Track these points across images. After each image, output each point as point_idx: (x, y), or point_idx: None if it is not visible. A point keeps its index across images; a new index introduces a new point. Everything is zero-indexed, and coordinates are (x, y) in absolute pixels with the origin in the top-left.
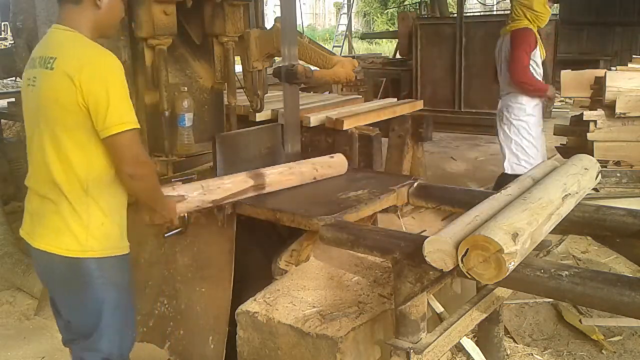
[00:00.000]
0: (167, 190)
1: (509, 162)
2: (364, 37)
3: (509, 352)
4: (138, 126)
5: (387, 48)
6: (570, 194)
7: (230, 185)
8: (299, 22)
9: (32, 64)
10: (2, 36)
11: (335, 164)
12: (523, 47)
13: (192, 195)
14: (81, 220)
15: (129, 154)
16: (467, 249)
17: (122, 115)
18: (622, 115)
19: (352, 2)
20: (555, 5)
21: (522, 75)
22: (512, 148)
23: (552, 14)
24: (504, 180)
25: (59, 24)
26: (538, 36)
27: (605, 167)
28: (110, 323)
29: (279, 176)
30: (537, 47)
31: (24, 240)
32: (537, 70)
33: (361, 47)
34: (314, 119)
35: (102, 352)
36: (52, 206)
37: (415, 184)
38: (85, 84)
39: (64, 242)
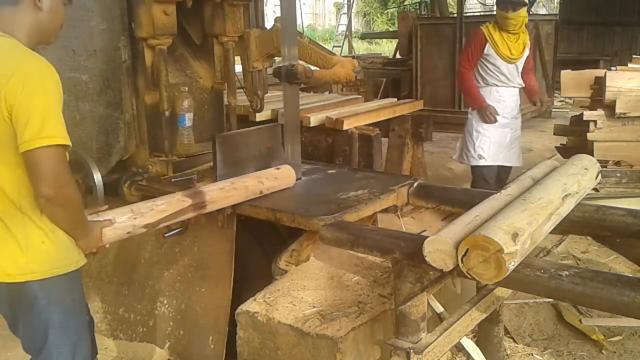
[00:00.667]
0: (92, 216)
1: (458, 150)
2: (364, 37)
3: (509, 352)
4: (66, 142)
5: (387, 48)
6: (570, 194)
7: (165, 207)
8: (299, 22)
9: None
10: None
11: (281, 175)
12: (465, 49)
13: (121, 220)
14: (18, 241)
15: (48, 173)
16: (467, 249)
17: (44, 129)
18: (622, 115)
19: (352, 2)
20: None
21: (458, 77)
22: (462, 138)
23: (552, 14)
24: (474, 171)
25: None
26: (497, 35)
27: (605, 167)
28: (59, 343)
29: (220, 192)
30: (489, 46)
31: None
32: (495, 70)
33: (361, 47)
34: (314, 119)
35: None
36: None
37: (415, 184)
38: (11, 93)
39: (2, 267)
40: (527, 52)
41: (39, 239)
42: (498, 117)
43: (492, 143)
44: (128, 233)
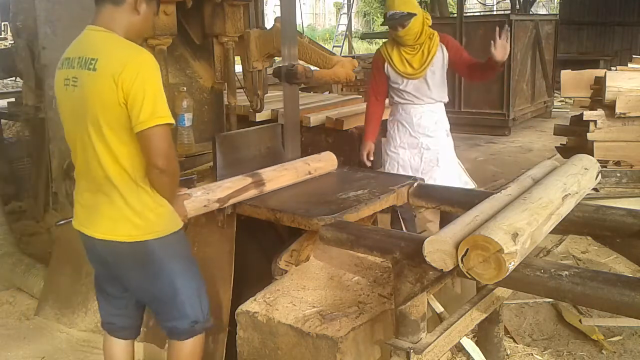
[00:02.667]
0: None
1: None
2: (364, 37)
3: (509, 352)
4: (172, 121)
5: None
6: (570, 194)
7: (230, 184)
8: (299, 22)
9: (70, 64)
10: (2, 36)
11: (324, 158)
12: (370, 75)
13: (197, 194)
14: (136, 207)
15: (161, 148)
16: (467, 249)
17: (156, 110)
18: (622, 115)
19: (352, 2)
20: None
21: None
22: None
23: (552, 14)
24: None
25: (94, 25)
26: (395, 53)
27: (605, 167)
28: (186, 289)
29: (274, 172)
30: (387, 65)
31: (77, 231)
32: (397, 87)
33: (361, 47)
34: (314, 119)
35: (189, 317)
36: (106, 199)
37: (415, 184)
38: (125, 82)
39: (124, 229)
40: (439, 59)
41: (152, 205)
42: (406, 137)
43: (400, 166)
44: (205, 206)
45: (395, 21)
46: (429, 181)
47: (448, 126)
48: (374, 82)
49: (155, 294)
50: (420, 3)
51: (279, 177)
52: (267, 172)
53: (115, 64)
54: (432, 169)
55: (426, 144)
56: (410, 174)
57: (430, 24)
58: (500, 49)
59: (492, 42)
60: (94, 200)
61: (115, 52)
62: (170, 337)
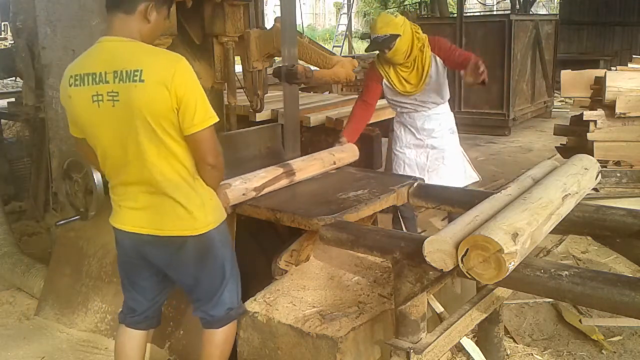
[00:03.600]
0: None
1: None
2: (364, 37)
3: (509, 352)
4: (217, 119)
5: None
6: (570, 194)
7: (264, 174)
8: (299, 22)
9: (99, 79)
10: (2, 36)
11: (347, 149)
12: (364, 82)
13: (236, 184)
14: (196, 202)
15: (212, 146)
16: (467, 249)
17: (207, 112)
18: (622, 115)
19: (352, 2)
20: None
21: None
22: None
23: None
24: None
25: (110, 36)
26: (392, 70)
27: (605, 167)
28: (231, 276)
29: (303, 163)
30: (385, 81)
31: (126, 232)
32: (398, 100)
33: (361, 47)
34: (314, 119)
35: (226, 304)
36: (170, 198)
37: (415, 184)
38: (178, 88)
39: (190, 224)
40: (433, 69)
41: (208, 197)
42: (412, 138)
43: (406, 165)
44: (243, 195)
45: (380, 44)
46: (435, 177)
47: (452, 124)
48: (367, 90)
49: (208, 282)
50: (420, 3)
51: (308, 167)
52: (297, 163)
53: (164, 72)
54: (438, 166)
55: (431, 144)
56: (417, 172)
57: (419, 36)
58: (470, 76)
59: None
60: (153, 201)
61: (158, 60)
62: (205, 327)
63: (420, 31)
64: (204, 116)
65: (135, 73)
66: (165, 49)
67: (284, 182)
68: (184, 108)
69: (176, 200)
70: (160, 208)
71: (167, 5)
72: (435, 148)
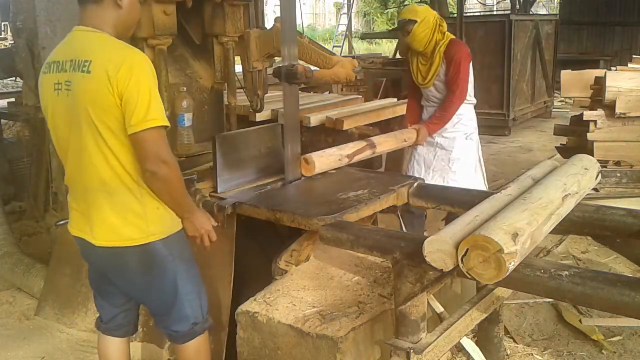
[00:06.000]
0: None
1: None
2: (364, 37)
3: (509, 352)
4: (166, 123)
5: (387, 48)
6: (570, 194)
7: (353, 145)
8: (299, 22)
9: (60, 68)
10: (2, 36)
11: (409, 131)
12: None
13: (331, 151)
14: (135, 210)
15: (152, 151)
16: (467, 249)
17: (148, 113)
18: (622, 115)
19: (352, 2)
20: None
21: None
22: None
23: (552, 14)
24: None
25: (81, 26)
26: (415, 60)
27: (605, 167)
28: (188, 291)
29: (381, 138)
30: (410, 67)
31: (76, 237)
32: (422, 91)
33: (361, 47)
34: (314, 119)
35: (189, 319)
36: (106, 203)
37: (415, 184)
38: (120, 83)
39: (126, 233)
40: (442, 71)
41: (153, 206)
42: None
43: (415, 160)
44: (339, 160)
45: (398, 27)
46: (438, 178)
47: (471, 130)
48: (409, 76)
49: (158, 296)
50: (420, 3)
51: (385, 141)
52: (376, 138)
53: (110, 65)
54: (443, 167)
55: (440, 144)
56: (422, 168)
57: (442, 29)
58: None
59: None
60: (91, 205)
61: (109, 53)
62: (172, 342)
63: (444, 26)
64: (144, 117)
65: (85, 63)
66: (131, 46)
67: (368, 153)
68: (124, 105)
69: (114, 206)
70: (97, 213)
71: None
72: (443, 148)
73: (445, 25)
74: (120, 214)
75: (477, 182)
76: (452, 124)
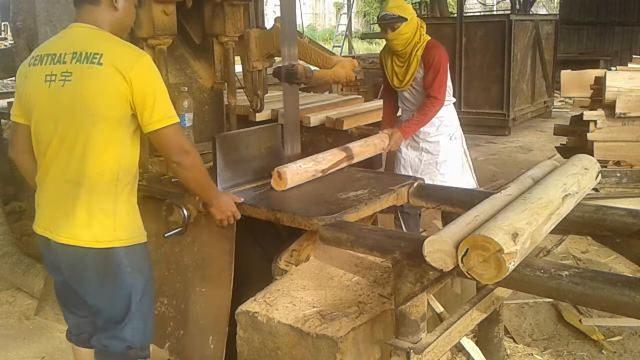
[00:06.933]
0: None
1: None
2: (364, 37)
3: (509, 352)
4: (178, 120)
5: None
6: (570, 194)
7: (331, 157)
8: (299, 22)
9: (57, 60)
10: (2, 36)
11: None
12: None
13: (308, 165)
14: (108, 210)
15: (175, 144)
16: (467, 249)
17: (167, 111)
18: (622, 115)
19: (352, 2)
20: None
21: None
22: None
23: (552, 14)
24: None
25: (80, 23)
26: (389, 61)
27: (605, 167)
28: (137, 310)
29: (360, 148)
30: (384, 70)
31: (39, 235)
32: (398, 95)
33: (361, 47)
34: (314, 119)
35: (126, 341)
36: (80, 198)
37: (415, 184)
38: (137, 81)
39: (92, 233)
40: (420, 74)
41: (125, 210)
42: (409, 141)
43: (401, 166)
44: (313, 176)
45: (386, 22)
46: (428, 182)
47: (454, 130)
48: (383, 80)
49: (108, 307)
50: (420, 3)
51: (364, 151)
52: (354, 149)
53: (124, 60)
54: (431, 171)
55: (426, 148)
56: (410, 173)
57: (424, 32)
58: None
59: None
60: (64, 200)
61: (120, 48)
62: (97, 354)
63: (424, 28)
64: (164, 114)
65: (95, 55)
66: (132, 44)
67: (344, 165)
68: (142, 103)
69: (86, 203)
70: (64, 208)
71: None
72: (429, 153)
73: (425, 27)
74: (91, 211)
75: (465, 179)
76: (434, 127)
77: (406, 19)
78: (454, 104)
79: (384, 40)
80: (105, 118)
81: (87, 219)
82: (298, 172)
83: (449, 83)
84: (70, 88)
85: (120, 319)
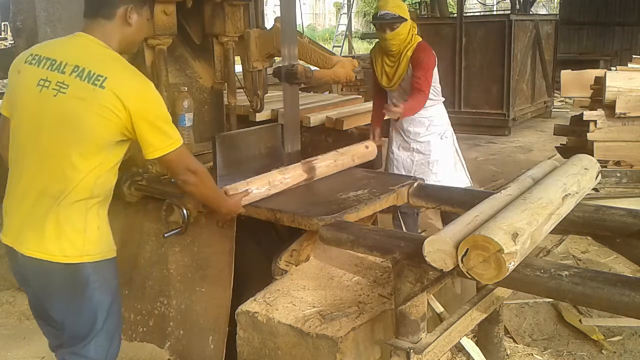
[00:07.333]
0: (240, 186)
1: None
2: (364, 37)
3: (509, 352)
4: (182, 141)
5: None
6: (570, 194)
7: (290, 180)
8: (299, 22)
9: (56, 67)
10: (2, 36)
11: (369, 154)
12: None
13: (261, 191)
14: (78, 225)
15: (179, 167)
16: (467, 249)
17: (169, 137)
18: (622, 115)
19: (352, 2)
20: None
21: None
22: None
23: (552, 14)
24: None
25: (89, 35)
26: (379, 61)
27: (605, 167)
28: (103, 328)
29: (327, 168)
30: (373, 70)
31: (6, 246)
32: (387, 95)
33: (361, 47)
34: (314, 119)
35: (89, 358)
36: (48, 212)
37: (415, 184)
38: (137, 111)
39: (60, 248)
40: (406, 78)
41: (95, 225)
42: (400, 140)
43: (394, 166)
44: (261, 199)
45: (385, 22)
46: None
47: (444, 129)
48: (372, 78)
49: (73, 323)
50: (420, 3)
51: (328, 172)
52: (320, 169)
53: (127, 88)
54: (424, 171)
55: (417, 148)
56: (404, 173)
57: (415, 32)
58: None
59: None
60: (34, 213)
61: (125, 75)
62: None
63: (416, 29)
64: (166, 141)
65: (99, 77)
66: (136, 69)
67: (301, 184)
68: (143, 132)
69: (55, 216)
70: (34, 221)
71: (147, 6)
72: (420, 153)
73: (416, 27)
74: (60, 225)
75: (459, 178)
76: (424, 127)
77: (406, 19)
78: (444, 103)
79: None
80: (93, 140)
81: (56, 234)
82: (247, 196)
83: (437, 84)
84: (63, 101)
85: (85, 336)
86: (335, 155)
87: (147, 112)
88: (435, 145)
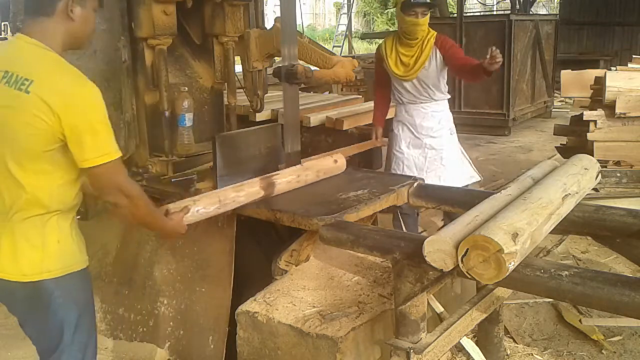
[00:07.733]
0: (182, 203)
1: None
2: (364, 37)
3: (509, 352)
4: (119, 154)
5: None
6: (570, 194)
7: (244, 199)
8: (299, 22)
9: None
10: (2, 36)
11: (337, 168)
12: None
13: (209, 210)
14: (35, 241)
15: (110, 185)
16: (467, 249)
17: (101, 148)
18: (622, 115)
19: (352, 2)
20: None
21: None
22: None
23: (552, 14)
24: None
25: (27, 36)
26: (394, 52)
27: (605, 167)
28: (71, 343)
29: (288, 185)
30: (385, 64)
31: None
32: (397, 87)
33: (361, 47)
34: (314, 119)
35: None
36: (2, 230)
37: (415, 184)
38: (66, 115)
39: (18, 267)
40: (432, 61)
41: (54, 239)
42: (411, 137)
43: (405, 165)
44: (210, 217)
45: (420, 6)
46: (434, 179)
47: (452, 124)
48: (377, 74)
49: (40, 337)
50: None
51: (288, 189)
52: (280, 185)
53: (55, 91)
54: (436, 167)
55: (430, 144)
56: (415, 172)
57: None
58: (492, 61)
59: (490, 49)
60: None
61: (55, 78)
62: None
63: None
64: (99, 151)
65: (25, 81)
66: (79, 72)
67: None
68: (74, 139)
69: (11, 234)
70: None
71: None
72: (433, 149)
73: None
74: (16, 243)
75: (468, 173)
76: (436, 121)
77: (435, 5)
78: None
79: (383, 36)
80: (28, 151)
81: (11, 251)
82: (195, 214)
83: (445, 79)
84: (1, 112)
85: (53, 350)
86: (298, 171)
87: (78, 116)
88: (446, 141)
